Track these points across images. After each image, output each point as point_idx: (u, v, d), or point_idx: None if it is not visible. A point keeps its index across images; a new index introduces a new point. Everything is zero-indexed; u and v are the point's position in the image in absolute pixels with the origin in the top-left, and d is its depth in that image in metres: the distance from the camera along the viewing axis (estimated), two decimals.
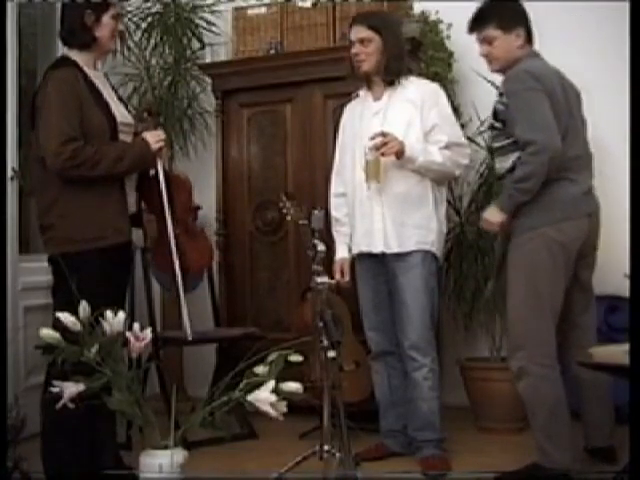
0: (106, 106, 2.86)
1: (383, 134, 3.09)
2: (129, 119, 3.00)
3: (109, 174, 2.80)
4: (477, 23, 3.04)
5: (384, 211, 3.19)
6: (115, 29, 2.93)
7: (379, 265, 3.27)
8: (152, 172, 3.00)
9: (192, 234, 3.23)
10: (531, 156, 2.81)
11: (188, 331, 3.18)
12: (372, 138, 3.09)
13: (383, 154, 3.08)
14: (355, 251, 3.34)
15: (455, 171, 3.26)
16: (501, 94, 2.98)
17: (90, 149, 2.75)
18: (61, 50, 3.05)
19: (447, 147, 3.18)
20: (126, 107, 3.08)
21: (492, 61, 3.05)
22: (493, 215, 2.97)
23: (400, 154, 3.09)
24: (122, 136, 2.91)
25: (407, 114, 3.21)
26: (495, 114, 3.00)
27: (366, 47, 3.21)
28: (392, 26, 3.30)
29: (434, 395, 3.18)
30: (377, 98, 3.28)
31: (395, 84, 3.25)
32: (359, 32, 3.23)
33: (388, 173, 3.16)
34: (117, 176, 2.84)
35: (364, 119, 3.27)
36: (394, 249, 3.19)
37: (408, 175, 3.18)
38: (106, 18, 2.88)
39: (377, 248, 3.22)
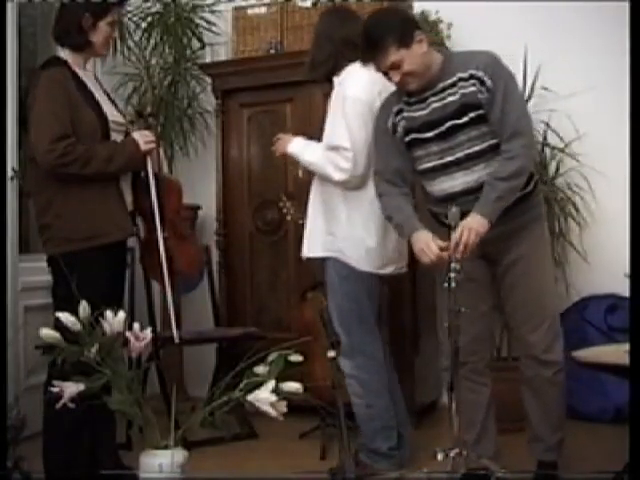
0: (97, 105, 2.85)
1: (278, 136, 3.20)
2: (120, 118, 3.00)
3: (100, 173, 2.79)
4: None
5: (309, 214, 3.18)
6: (110, 36, 2.95)
7: None
8: (143, 174, 2.98)
9: (181, 238, 3.17)
10: (523, 148, 2.53)
11: (175, 333, 3.18)
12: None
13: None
14: None
15: (333, 175, 2.98)
16: (479, 80, 2.54)
17: (82, 147, 2.74)
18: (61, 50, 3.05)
19: (332, 149, 3.02)
20: (116, 107, 3.08)
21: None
22: (482, 224, 2.50)
23: (284, 153, 3.17)
24: (114, 135, 2.91)
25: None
26: (473, 104, 2.55)
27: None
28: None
29: (360, 402, 3.03)
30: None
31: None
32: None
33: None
34: (109, 175, 2.83)
35: None
36: (306, 253, 3.16)
37: (316, 179, 3.14)
38: (103, 24, 2.87)
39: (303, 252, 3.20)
